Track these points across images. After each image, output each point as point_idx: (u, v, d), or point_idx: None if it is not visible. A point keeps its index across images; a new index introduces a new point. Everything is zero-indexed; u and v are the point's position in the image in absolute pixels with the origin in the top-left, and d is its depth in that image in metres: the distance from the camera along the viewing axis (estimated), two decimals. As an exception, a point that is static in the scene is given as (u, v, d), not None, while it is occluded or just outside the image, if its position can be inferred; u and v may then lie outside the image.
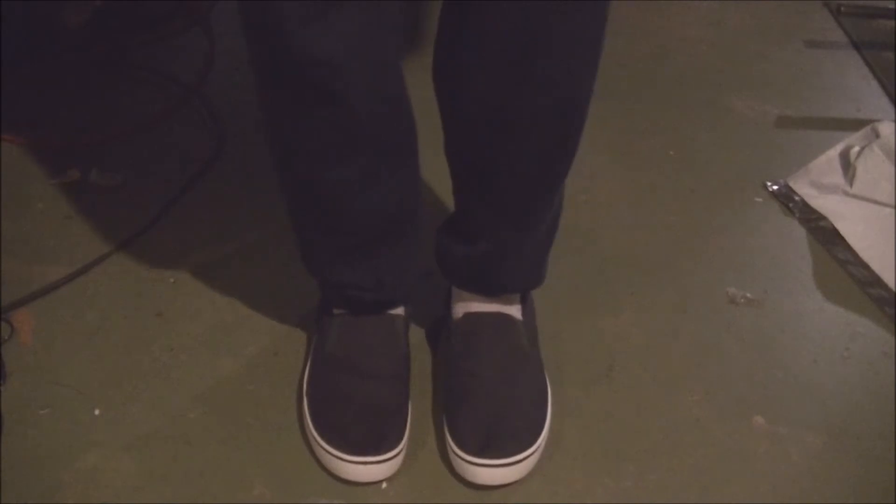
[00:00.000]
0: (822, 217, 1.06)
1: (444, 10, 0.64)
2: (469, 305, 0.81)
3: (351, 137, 0.65)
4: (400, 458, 0.75)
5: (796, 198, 1.09)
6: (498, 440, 0.73)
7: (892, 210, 1.06)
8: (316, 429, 0.76)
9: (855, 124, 1.22)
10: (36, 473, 0.75)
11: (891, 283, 0.96)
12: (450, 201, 0.79)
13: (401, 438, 0.75)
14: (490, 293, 0.80)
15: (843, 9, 1.43)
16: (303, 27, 0.57)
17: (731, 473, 0.77)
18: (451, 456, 0.75)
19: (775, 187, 1.11)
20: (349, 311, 0.80)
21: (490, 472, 0.73)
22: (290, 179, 0.72)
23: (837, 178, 1.11)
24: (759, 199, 1.10)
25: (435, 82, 0.69)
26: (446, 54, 0.66)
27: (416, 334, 0.88)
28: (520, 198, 0.72)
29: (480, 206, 0.73)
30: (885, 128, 1.15)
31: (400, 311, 0.82)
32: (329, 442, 0.74)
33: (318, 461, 0.76)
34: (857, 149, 1.12)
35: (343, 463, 0.73)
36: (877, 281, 0.97)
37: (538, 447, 0.75)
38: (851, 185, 1.09)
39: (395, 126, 0.68)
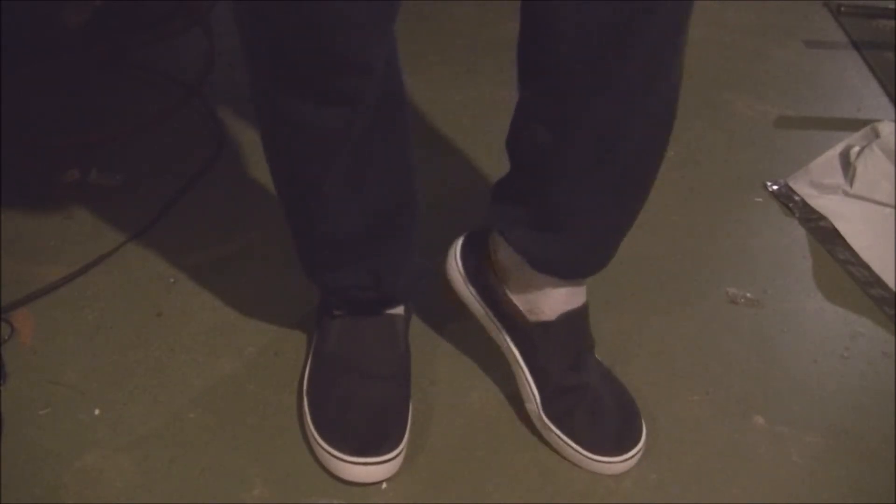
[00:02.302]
0: (822, 217, 1.06)
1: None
2: (559, 299, 0.76)
3: (353, 135, 0.65)
4: (400, 458, 0.75)
5: (796, 198, 1.09)
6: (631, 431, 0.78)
7: (892, 210, 1.06)
8: (316, 429, 0.76)
9: (855, 124, 1.22)
10: (36, 473, 0.75)
11: (891, 283, 0.96)
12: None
13: (401, 439, 0.75)
14: (581, 278, 0.77)
15: (843, 9, 1.43)
16: (355, 30, 0.56)
17: (731, 473, 0.77)
18: (590, 463, 0.76)
19: (775, 187, 1.11)
20: (349, 312, 0.80)
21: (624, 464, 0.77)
22: (288, 186, 0.72)
23: (837, 178, 1.11)
24: (759, 199, 1.10)
25: (525, 52, 0.65)
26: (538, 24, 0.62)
27: (416, 334, 0.88)
28: (635, 179, 0.69)
29: (586, 196, 0.68)
30: (885, 128, 1.15)
31: (400, 310, 0.82)
32: (329, 442, 0.74)
33: (318, 461, 0.76)
34: (857, 149, 1.12)
35: (343, 464, 0.73)
36: (877, 281, 0.97)
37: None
38: (851, 185, 1.09)
39: (393, 118, 0.68)
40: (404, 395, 0.79)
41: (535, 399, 0.78)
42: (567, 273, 0.75)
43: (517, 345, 0.79)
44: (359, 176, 0.69)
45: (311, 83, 0.61)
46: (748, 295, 0.96)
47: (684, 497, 0.75)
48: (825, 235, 1.04)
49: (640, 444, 0.77)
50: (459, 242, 0.83)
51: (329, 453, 0.74)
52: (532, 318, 0.77)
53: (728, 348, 0.89)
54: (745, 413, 0.83)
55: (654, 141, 0.67)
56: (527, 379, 0.79)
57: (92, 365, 0.84)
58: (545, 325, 0.77)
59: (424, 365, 0.85)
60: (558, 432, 0.77)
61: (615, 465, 0.76)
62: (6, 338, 0.86)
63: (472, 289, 0.81)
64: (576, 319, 0.77)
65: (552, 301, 0.76)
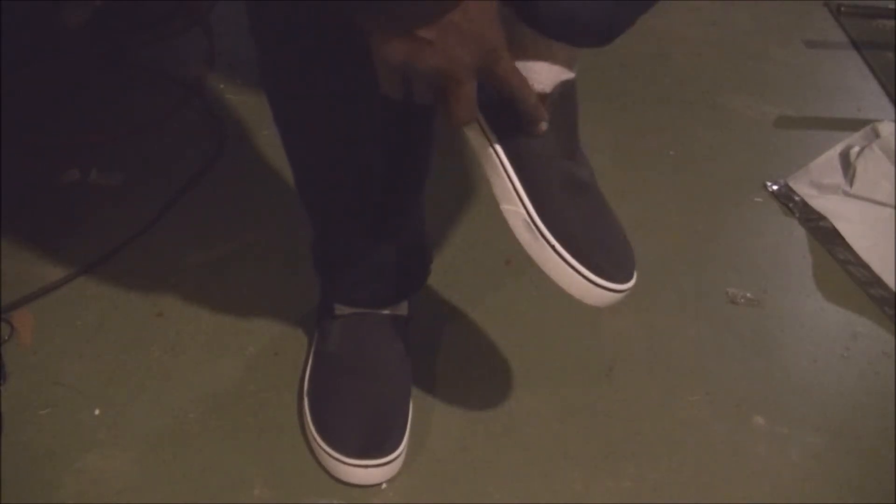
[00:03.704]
0: (822, 217, 1.06)
1: None
2: (558, 63, 0.59)
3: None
4: (400, 460, 0.75)
5: (796, 198, 1.09)
6: None
7: (892, 210, 1.06)
8: (316, 430, 0.76)
9: (855, 124, 1.22)
10: (36, 473, 0.75)
11: (891, 283, 0.96)
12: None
13: (401, 440, 0.75)
14: (591, 43, 0.58)
15: (843, 9, 1.43)
16: None
17: (731, 473, 0.77)
18: (585, 286, 0.62)
19: (775, 187, 1.11)
20: (355, 307, 0.80)
21: None
22: (305, 148, 0.70)
23: (837, 178, 1.11)
24: (759, 199, 1.10)
25: None
26: None
27: (416, 334, 0.88)
28: None
29: None
30: (885, 128, 1.15)
31: (401, 310, 0.82)
32: (330, 444, 0.74)
33: (318, 462, 0.76)
34: (857, 149, 1.12)
35: (343, 465, 0.73)
36: (877, 281, 0.97)
37: None
38: (851, 185, 1.09)
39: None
40: (405, 395, 0.79)
41: (523, 198, 0.62)
42: (581, 34, 0.57)
43: (498, 129, 0.61)
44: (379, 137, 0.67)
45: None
46: (748, 295, 0.96)
47: (684, 497, 0.75)
48: (825, 235, 1.04)
49: (634, 279, 0.63)
50: None
51: (329, 454, 0.74)
52: None
53: (728, 348, 0.89)
54: (745, 413, 0.83)
55: None
56: (509, 174, 0.62)
57: (92, 365, 0.84)
58: (540, 98, 0.59)
59: (424, 365, 0.85)
60: (555, 242, 0.61)
61: (612, 294, 0.62)
62: (6, 338, 0.86)
63: None
64: (572, 93, 0.62)
65: (549, 66, 0.59)
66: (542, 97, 0.59)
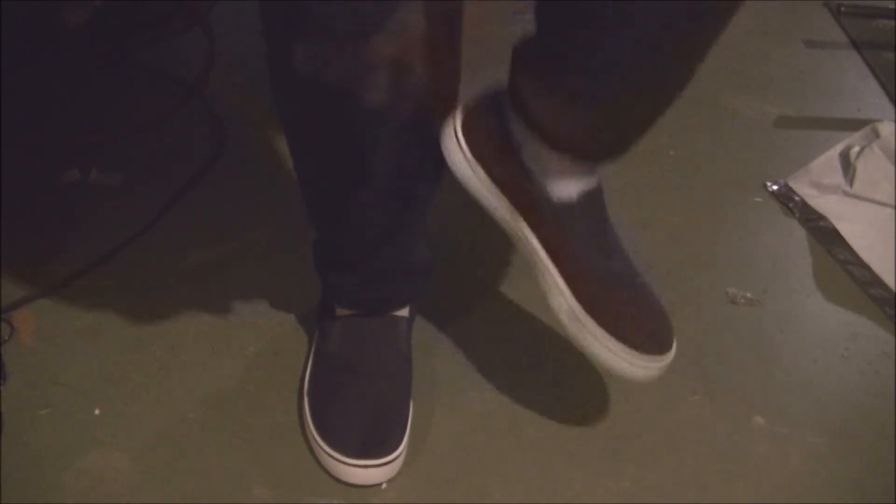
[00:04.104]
0: (822, 217, 1.06)
1: None
2: (577, 177, 0.68)
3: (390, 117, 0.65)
4: (400, 460, 0.75)
5: (796, 198, 1.09)
6: None
7: (892, 210, 1.06)
8: (317, 430, 0.76)
9: (855, 124, 1.22)
10: (36, 473, 0.75)
11: (891, 284, 0.96)
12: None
13: (401, 440, 0.75)
14: (602, 159, 0.68)
15: (843, 9, 1.43)
16: None
17: (731, 473, 0.77)
18: (626, 363, 0.70)
19: (775, 187, 1.11)
20: (355, 310, 0.80)
21: None
22: (311, 147, 0.71)
23: (837, 178, 1.11)
24: (759, 199, 1.10)
25: None
26: None
27: (416, 334, 0.88)
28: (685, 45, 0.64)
29: (624, 63, 0.61)
30: (885, 128, 1.15)
31: (404, 312, 0.82)
32: (330, 444, 0.74)
33: (318, 462, 0.76)
34: (857, 149, 1.12)
35: (343, 465, 0.73)
36: (877, 281, 0.97)
37: None
38: (851, 185, 1.09)
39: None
40: (405, 396, 0.79)
41: (564, 292, 0.70)
42: (587, 152, 0.66)
43: (537, 231, 0.70)
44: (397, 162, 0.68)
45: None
46: (748, 295, 0.96)
47: (684, 497, 0.75)
48: (825, 235, 1.04)
49: (673, 349, 0.71)
50: (459, 118, 0.72)
51: (329, 455, 0.74)
52: (555, 197, 0.69)
53: (728, 348, 0.89)
54: (745, 413, 0.83)
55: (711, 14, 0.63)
56: (550, 271, 0.71)
57: (92, 365, 0.84)
58: (568, 207, 0.69)
59: (424, 365, 0.85)
60: (594, 326, 0.69)
61: (654, 366, 0.70)
62: (6, 338, 0.86)
63: (478, 171, 0.71)
64: (598, 200, 0.70)
65: (570, 180, 0.68)
66: (569, 206, 0.68)
